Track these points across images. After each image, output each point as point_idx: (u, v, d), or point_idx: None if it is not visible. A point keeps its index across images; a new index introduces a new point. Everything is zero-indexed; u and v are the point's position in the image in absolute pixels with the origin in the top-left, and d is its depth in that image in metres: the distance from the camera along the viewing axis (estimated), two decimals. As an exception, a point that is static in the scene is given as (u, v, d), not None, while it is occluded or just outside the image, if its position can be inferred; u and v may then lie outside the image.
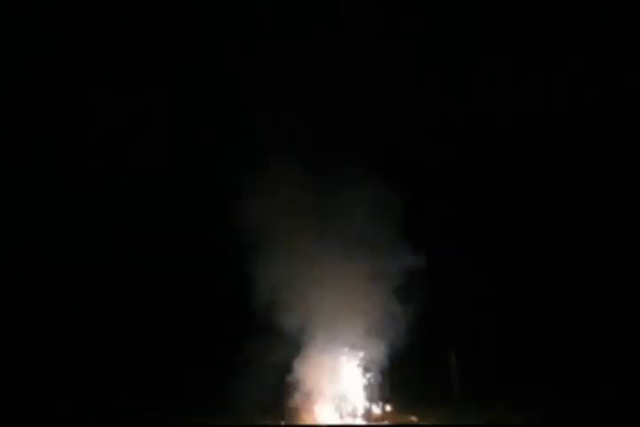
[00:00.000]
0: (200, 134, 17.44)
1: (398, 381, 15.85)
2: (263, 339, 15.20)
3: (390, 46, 17.25)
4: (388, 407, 15.54)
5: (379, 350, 15.49)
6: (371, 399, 15.59)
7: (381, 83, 16.88)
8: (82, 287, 19.70)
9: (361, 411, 15.53)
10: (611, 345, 18.14)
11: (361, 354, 15.66)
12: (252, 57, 16.18)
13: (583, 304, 18.92)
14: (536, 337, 18.68)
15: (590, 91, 18.95)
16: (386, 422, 15.25)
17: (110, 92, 19.07)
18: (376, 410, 15.55)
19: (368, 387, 15.63)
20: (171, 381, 18.23)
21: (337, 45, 16.76)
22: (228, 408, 16.15)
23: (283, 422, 15.29)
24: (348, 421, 15.38)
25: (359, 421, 15.41)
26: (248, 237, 15.40)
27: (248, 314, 15.72)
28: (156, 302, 19.33)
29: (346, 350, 15.64)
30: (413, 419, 15.21)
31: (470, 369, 17.36)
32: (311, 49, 16.17)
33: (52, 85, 19.35)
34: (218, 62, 16.22)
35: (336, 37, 16.72)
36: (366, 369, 15.69)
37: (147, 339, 19.00)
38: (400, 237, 15.40)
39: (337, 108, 16.11)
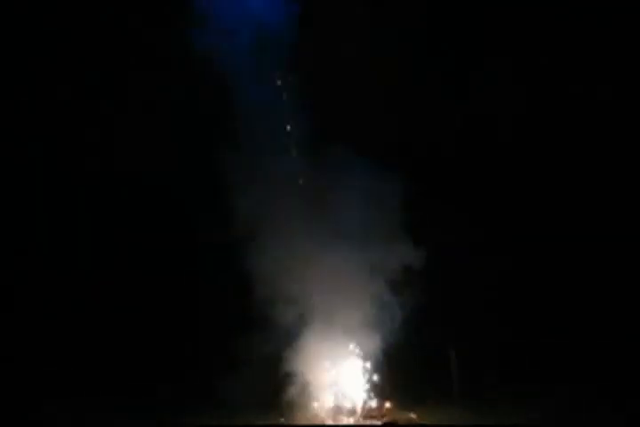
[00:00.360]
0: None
1: (399, 379, 15.82)
2: (260, 333, 15.17)
3: (390, 46, 17.36)
4: (388, 405, 15.51)
5: (377, 344, 15.50)
6: (370, 396, 15.54)
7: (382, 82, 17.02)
8: (81, 286, 19.69)
9: (360, 408, 15.48)
10: (610, 344, 18.13)
11: (359, 348, 15.61)
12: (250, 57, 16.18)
13: (583, 303, 18.92)
14: (536, 336, 18.67)
15: (590, 90, 19.02)
16: (385, 420, 15.19)
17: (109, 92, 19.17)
18: (375, 407, 15.51)
19: (368, 383, 15.58)
20: (168, 379, 18.25)
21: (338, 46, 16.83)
22: (226, 405, 16.16)
23: (282, 420, 15.22)
24: (347, 418, 15.36)
25: (358, 417, 15.38)
26: (245, 230, 15.36)
27: (244, 308, 15.70)
28: (152, 300, 19.33)
29: (344, 342, 15.59)
30: (413, 416, 15.16)
31: (470, 368, 17.37)
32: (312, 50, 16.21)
33: (52, 85, 19.40)
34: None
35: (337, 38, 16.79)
36: (366, 365, 15.65)
37: (141, 337, 19.01)
38: (401, 234, 15.40)
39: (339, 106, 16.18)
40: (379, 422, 15.18)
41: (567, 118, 19.31)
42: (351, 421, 15.29)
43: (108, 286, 19.65)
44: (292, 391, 15.30)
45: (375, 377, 15.70)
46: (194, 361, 18.29)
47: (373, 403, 15.52)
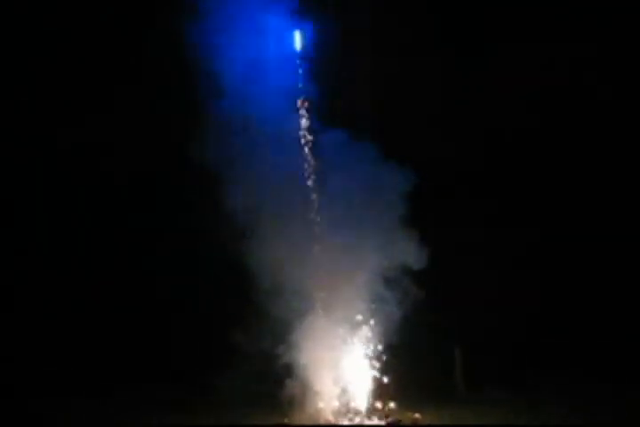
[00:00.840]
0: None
1: (402, 378, 15.80)
2: (260, 329, 15.13)
3: (392, 44, 17.34)
4: (392, 404, 15.49)
5: (380, 343, 15.51)
6: (374, 396, 15.53)
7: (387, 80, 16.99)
8: (79, 285, 19.66)
9: (365, 407, 15.47)
10: (614, 346, 18.19)
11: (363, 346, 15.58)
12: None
13: (588, 303, 18.97)
14: (540, 336, 18.72)
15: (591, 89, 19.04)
16: (389, 420, 15.17)
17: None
18: (380, 407, 15.51)
19: (372, 383, 15.58)
20: (166, 378, 18.23)
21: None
22: (227, 404, 16.16)
23: (287, 420, 15.17)
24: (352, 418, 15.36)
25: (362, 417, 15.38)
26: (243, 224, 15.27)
27: (243, 303, 15.64)
28: (149, 298, 19.31)
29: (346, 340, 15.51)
30: (417, 416, 15.12)
31: (474, 367, 17.42)
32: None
33: (51, 85, 19.32)
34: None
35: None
36: (370, 364, 15.64)
37: (138, 335, 19.00)
38: (405, 232, 15.36)
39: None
40: (383, 422, 15.14)
41: (573, 118, 19.33)
42: (356, 421, 15.23)
43: (105, 283, 19.65)
44: (295, 390, 15.18)
45: (379, 377, 15.63)
46: (192, 359, 18.25)
47: (378, 403, 15.46)
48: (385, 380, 15.58)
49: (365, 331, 15.52)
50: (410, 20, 17.90)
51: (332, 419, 15.17)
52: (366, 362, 15.59)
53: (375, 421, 15.24)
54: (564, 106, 19.35)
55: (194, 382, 17.69)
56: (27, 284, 19.90)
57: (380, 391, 15.52)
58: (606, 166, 19.58)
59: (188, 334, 18.55)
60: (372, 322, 15.47)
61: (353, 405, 15.38)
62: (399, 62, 18.01)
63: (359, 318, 15.47)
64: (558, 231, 19.41)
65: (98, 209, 20.12)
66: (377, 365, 15.60)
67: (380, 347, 15.59)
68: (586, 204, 19.22)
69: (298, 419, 15.10)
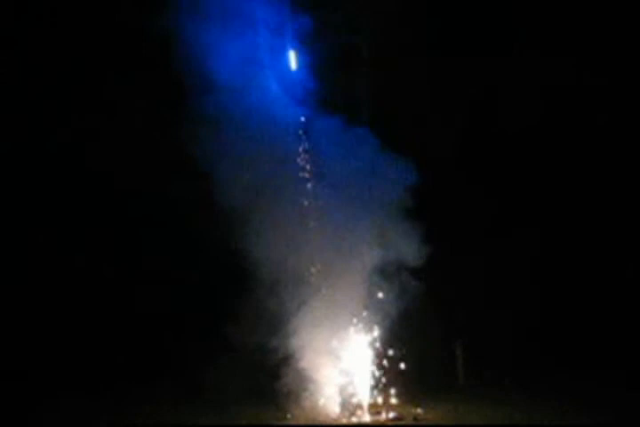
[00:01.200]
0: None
1: (404, 373, 15.74)
2: (258, 323, 15.03)
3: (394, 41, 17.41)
4: (394, 400, 15.41)
5: (381, 338, 15.44)
6: (376, 391, 15.44)
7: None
8: (75, 280, 19.62)
9: (367, 403, 15.35)
10: (616, 346, 18.18)
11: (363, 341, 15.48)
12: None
13: (587, 299, 19.00)
14: (541, 334, 18.71)
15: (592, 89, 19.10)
16: (391, 415, 15.09)
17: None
18: (381, 402, 15.42)
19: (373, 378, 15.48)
20: (161, 376, 18.19)
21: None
22: (225, 401, 16.03)
23: (289, 416, 15.05)
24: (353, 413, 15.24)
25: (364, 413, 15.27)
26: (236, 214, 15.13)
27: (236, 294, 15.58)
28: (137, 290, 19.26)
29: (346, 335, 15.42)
30: (419, 411, 15.04)
31: (477, 362, 17.39)
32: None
33: (50, 85, 19.36)
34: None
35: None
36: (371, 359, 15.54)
37: (129, 331, 18.93)
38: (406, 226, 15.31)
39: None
40: (384, 418, 15.06)
41: (576, 118, 19.39)
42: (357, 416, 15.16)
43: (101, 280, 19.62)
44: (295, 386, 15.07)
45: (381, 371, 15.56)
46: (186, 355, 18.16)
47: (379, 398, 15.38)
48: (387, 375, 15.52)
49: (365, 323, 15.47)
50: (410, 19, 18.00)
51: (332, 415, 15.07)
52: (368, 355, 15.51)
53: (376, 416, 15.15)
54: (566, 106, 19.46)
55: (190, 380, 17.59)
56: (24, 282, 19.89)
57: (382, 386, 15.47)
58: (609, 168, 19.65)
59: (184, 331, 18.54)
60: (373, 314, 15.42)
61: (354, 400, 15.29)
62: (399, 60, 18.06)
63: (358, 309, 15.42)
64: (560, 230, 19.49)
65: (94, 208, 20.13)
66: (378, 359, 15.55)
67: (380, 341, 15.55)
68: (591, 203, 19.29)
69: (298, 415, 14.99)
